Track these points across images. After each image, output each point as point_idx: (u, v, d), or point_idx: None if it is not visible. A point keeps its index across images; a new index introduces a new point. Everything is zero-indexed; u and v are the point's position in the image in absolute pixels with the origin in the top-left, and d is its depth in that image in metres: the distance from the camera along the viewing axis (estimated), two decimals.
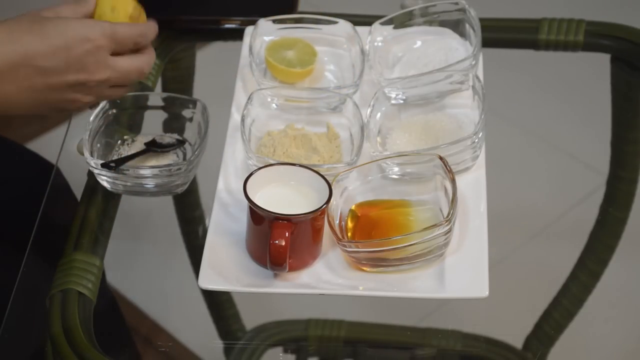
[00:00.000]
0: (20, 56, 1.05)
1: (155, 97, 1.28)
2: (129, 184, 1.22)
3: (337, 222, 1.13)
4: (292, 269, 1.12)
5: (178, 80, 1.40)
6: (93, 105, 1.16)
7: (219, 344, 1.18)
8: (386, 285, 1.12)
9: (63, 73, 1.08)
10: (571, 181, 1.31)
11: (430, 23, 1.32)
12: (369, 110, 1.22)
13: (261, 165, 1.15)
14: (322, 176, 1.13)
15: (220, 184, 1.21)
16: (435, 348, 1.15)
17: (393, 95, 1.25)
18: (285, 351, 1.16)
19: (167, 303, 1.21)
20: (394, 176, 1.18)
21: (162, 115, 1.28)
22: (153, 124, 1.28)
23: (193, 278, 1.17)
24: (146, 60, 1.13)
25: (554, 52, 1.38)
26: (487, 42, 1.30)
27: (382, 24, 1.31)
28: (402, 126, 1.23)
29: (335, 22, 1.32)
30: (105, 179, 1.22)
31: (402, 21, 1.32)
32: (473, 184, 1.18)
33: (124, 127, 1.27)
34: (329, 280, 1.13)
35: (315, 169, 1.14)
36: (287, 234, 1.08)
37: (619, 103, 1.37)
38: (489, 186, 1.19)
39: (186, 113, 1.28)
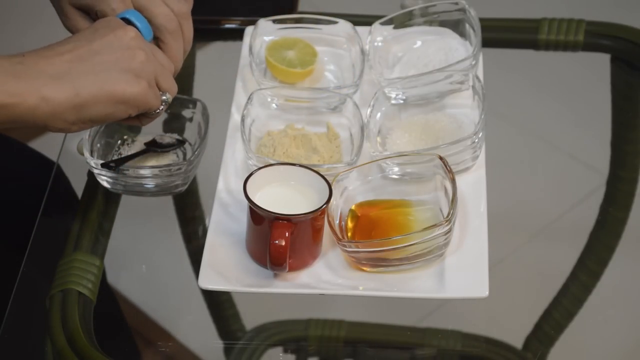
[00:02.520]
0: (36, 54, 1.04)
1: None
2: (129, 184, 1.22)
3: (337, 222, 1.13)
4: (292, 269, 1.12)
5: (178, 80, 1.40)
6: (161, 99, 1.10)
7: (219, 344, 1.18)
8: (386, 285, 1.12)
9: (98, 38, 1.05)
10: (571, 181, 1.31)
11: (430, 23, 1.32)
12: (369, 110, 1.22)
13: (261, 165, 1.15)
14: (322, 176, 1.13)
15: (220, 184, 1.21)
16: (435, 348, 1.15)
17: (393, 95, 1.25)
18: (285, 351, 1.16)
19: (167, 303, 1.21)
20: (394, 176, 1.18)
21: (162, 115, 1.28)
22: (153, 124, 1.28)
23: (193, 278, 1.17)
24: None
25: (554, 52, 1.38)
26: (487, 42, 1.30)
27: (382, 24, 1.31)
28: (402, 126, 1.23)
29: (335, 22, 1.32)
30: (105, 179, 1.22)
31: (402, 21, 1.32)
32: (473, 184, 1.18)
33: (124, 127, 1.27)
34: (329, 280, 1.13)
35: (315, 169, 1.14)
36: (287, 234, 1.08)
37: (619, 103, 1.37)
38: (489, 186, 1.19)
39: (186, 113, 1.28)
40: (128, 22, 1.10)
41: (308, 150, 1.22)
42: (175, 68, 1.14)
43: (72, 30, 1.14)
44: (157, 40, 1.13)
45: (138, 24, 1.10)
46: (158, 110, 1.10)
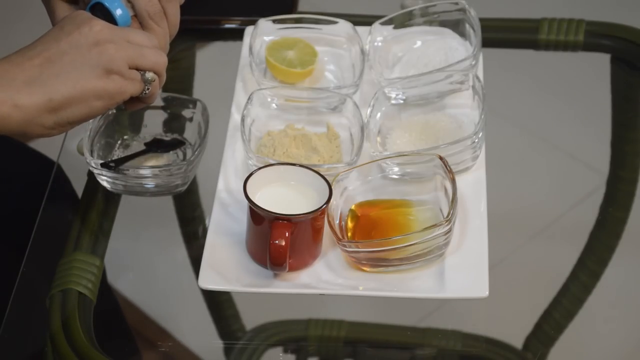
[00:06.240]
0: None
1: None
2: (129, 184, 1.22)
3: (337, 222, 1.13)
4: (292, 269, 1.12)
5: (178, 80, 1.40)
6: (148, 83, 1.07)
7: (219, 344, 1.18)
8: (386, 285, 1.12)
9: (64, 37, 1.03)
10: (571, 181, 1.31)
11: (430, 23, 1.32)
12: (369, 110, 1.22)
13: (261, 165, 1.15)
14: (322, 176, 1.13)
15: (220, 184, 1.21)
16: (435, 348, 1.15)
17: (393, 95, 1.25)
18: (285, 351, 1.16)
19: (167, 303, 1.21)
20: (394, 176, 1.18)
21: (162, 115, 1.28)
22: (153, 124, 1.28)
23: (193, 278, 1.17)
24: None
25: (554, 52, 1.38)
26: (487, 42, 1.30)
27: (382, 24, 1.31)
28: (402, 126, 1.23)
29: (335, 22, 1.32)
30: (105, 179, 1.22)
31: (402, 21, 1.32)
32: (473, 184, 1.18)
33: (124, 127, 1.27)
34: (329, 280, 1.13)
35: (315, 169, 1.14)
36: (287, 234, 1.08)
37: (619, 103, 1.37)
38: (489, 186, 1.18)
39: (186, 113, 1.28)
40: (103, 7, 1.08)
41: (308, 150, 1.22)
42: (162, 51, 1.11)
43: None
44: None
45: (110, 8, 1.08)
46: (146, 92, 1.08)
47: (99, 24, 1.05)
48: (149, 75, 1.07)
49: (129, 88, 1.06)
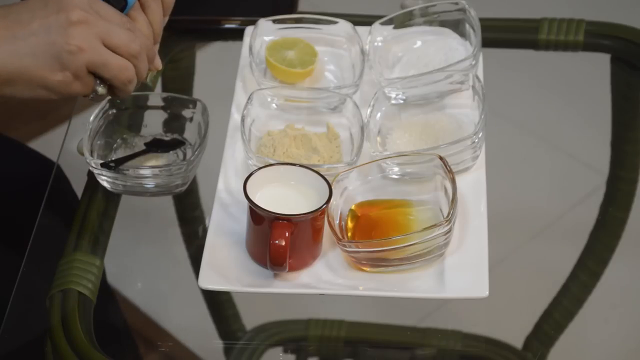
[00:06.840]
0: None
1: (155, 97, 1.28)
2: (129, 184, 1.22)
3: (337, 222, 1.13)
4: (292, 269, 1.12)
5: (178, 80, 1.40)
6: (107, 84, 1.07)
7: (219, 344, 1.18)
8: (386, 285, 1.12)
9: (41, 16, 1.02)
10: (571, 181, 1.31)
11: (430, 23, 1.32)
12: (369, 110, 1.22)
13: (261, 165, 1.15)
14: (322, 176, 1.13)
15: (220, 184, 1.21)
16: (435, 348, 1.15)
17: (393, 95, 1.25)
18: (285, 351, 1.16)
19: (167, 303, 1.21)
20: (394, 176, 1.18)
21: (162, 115, 1.28)
22: (153, 124, 1.28)
23: (193, 278, 1.17)
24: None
25: (554, 52, 1.38)
26: (487, 42, 1.30)
27: (382, 24, 1.31)
28: (402, 126, 1.23)
29: (335, 22, 1.32)
30: (105, 179, 1.22)
31: (402, 21, 1.32)
32: (473, 184, 1.19)
33: (124, 127, 1.27)
34: (329, 280, 1.13)
35: (315, 169, 1.14)
36: (287, 234, 1.08)
37: (619, 103, 1.37)
38: (489, 186, 1.19)
39: (186, 113, 1.28)
40: None
41: (308, 150, 1.22)
42: (155, 32, 1.11)
43: None
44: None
45: None
46: (92, 97, 1.07)
47: (78, 14, 1.03)
48: (100, 89, 1.07)
49: (77, 89, 1.05)
